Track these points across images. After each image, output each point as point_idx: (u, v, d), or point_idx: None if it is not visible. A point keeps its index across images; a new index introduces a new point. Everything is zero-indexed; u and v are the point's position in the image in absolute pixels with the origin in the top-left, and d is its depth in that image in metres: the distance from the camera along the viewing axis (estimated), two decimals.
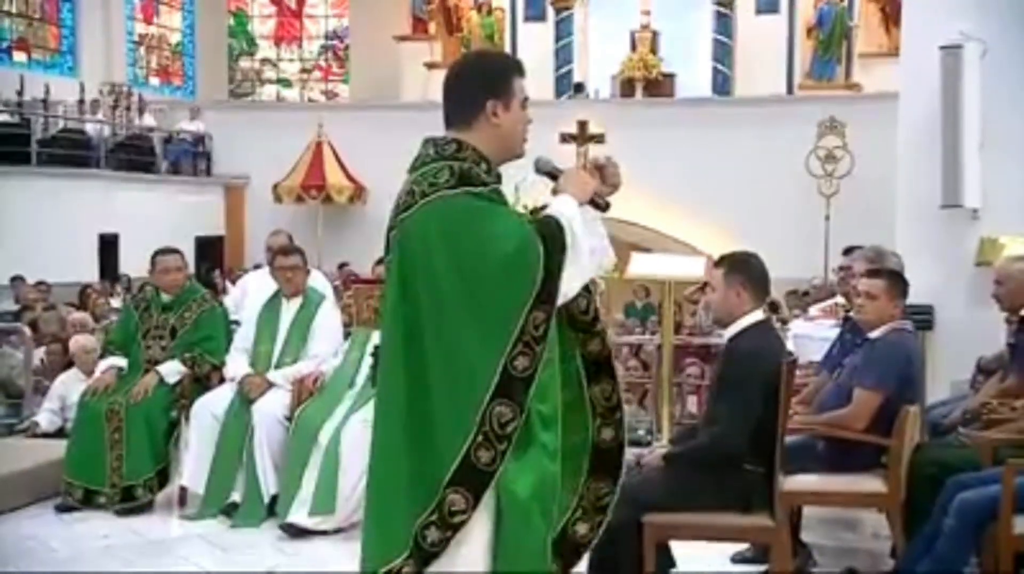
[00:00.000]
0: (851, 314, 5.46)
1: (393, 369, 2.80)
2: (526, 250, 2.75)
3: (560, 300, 2.81)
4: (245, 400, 5.92)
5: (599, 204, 3.01)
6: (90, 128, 17.93)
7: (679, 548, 4.33)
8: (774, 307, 12.92)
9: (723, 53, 19.39)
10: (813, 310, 8.24)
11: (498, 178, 2.94)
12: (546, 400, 2.83)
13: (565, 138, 16.64)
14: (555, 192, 2.98)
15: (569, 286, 2.84)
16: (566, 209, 2.89)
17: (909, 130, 7.49)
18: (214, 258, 18.42)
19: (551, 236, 2.80)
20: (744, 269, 4.24)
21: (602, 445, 3.11)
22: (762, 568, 4.65)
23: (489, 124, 2.89)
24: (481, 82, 2.91)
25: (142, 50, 22.19)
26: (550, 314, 2.76)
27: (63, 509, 5.97)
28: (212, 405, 6.01)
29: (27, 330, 9.10)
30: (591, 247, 2.92)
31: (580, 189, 2.97)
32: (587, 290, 3.03)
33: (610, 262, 3.10)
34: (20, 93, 17.04)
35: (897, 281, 4.82)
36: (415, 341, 2.75)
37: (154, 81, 22.38)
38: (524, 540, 2.74)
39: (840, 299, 6.90)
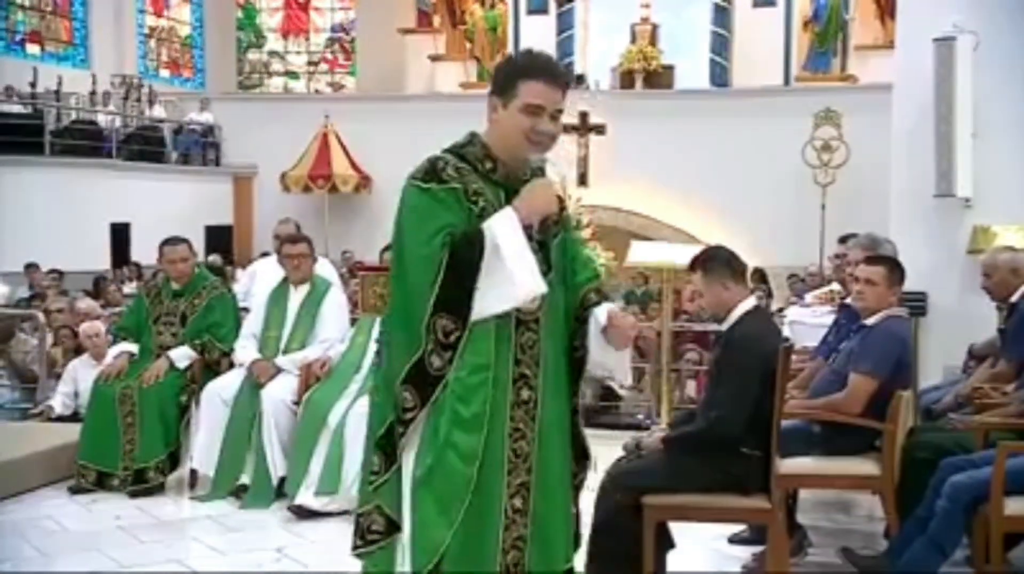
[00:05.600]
0: (847, 301, 5.45)
1: None
2: (429, 258, 2.78)
3: (475, 316, 2.80)
4: (254, 385, 5.92)
5: (530, 234, 2.87)
6: (102, 119, 17.92)
7: (678, 529, 4.34)
8: (762, 278, 12.94)
9: (721, 45, 19.32)
10: (808, 297, 8.23)
11: (508, 176, 2.91)
12: (469, 403, 2.81)
13: (566, 129, 16.59)
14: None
15: (484, 305, 2.80)
16: (499, 226, 2.82)
17: (903, 120, 7.48)
18: (223, 246, 18.41)
19: (461, 252, 2.78)
20: (720, 263, 4.23)
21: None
22: (758, 549, 4.66)
23: (492, 121, 2.92)
24: (494, 79, 2.92)
25: (153, 42, 22.16)
26: (458, 324, 2.79)
27: (77, 491, 5.98)
28: (222, 390, 6.02)
29: (41, 316, 9.10)
30: (515, 272, 2.80)
31: (530, 207, 2.87)
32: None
33: (534, 296, 2.87)
34: (33, 85, 17.05)
35: (895, 269, 4.81)
36: None
37: (164, 73, 22.35)
38: (415, 530, 2.82)
39: (836, 286, 6.90)
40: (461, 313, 2.79)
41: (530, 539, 2.88)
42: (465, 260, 2.78)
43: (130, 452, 6.00)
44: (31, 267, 13.74)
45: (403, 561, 2.87)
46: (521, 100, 2.84)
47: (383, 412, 2.91)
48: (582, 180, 16.72)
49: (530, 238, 2.87)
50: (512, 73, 2.88)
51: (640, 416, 8.26)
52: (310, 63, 24.08)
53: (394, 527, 2.89)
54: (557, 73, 2.90)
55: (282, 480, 5.75)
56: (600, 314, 3.03)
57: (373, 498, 2.90)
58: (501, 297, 2.80)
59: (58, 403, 7.67)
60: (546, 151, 2.95)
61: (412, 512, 2.83)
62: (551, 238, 2.98)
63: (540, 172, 2.98)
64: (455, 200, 2.85)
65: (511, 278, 2.78)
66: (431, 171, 2.86)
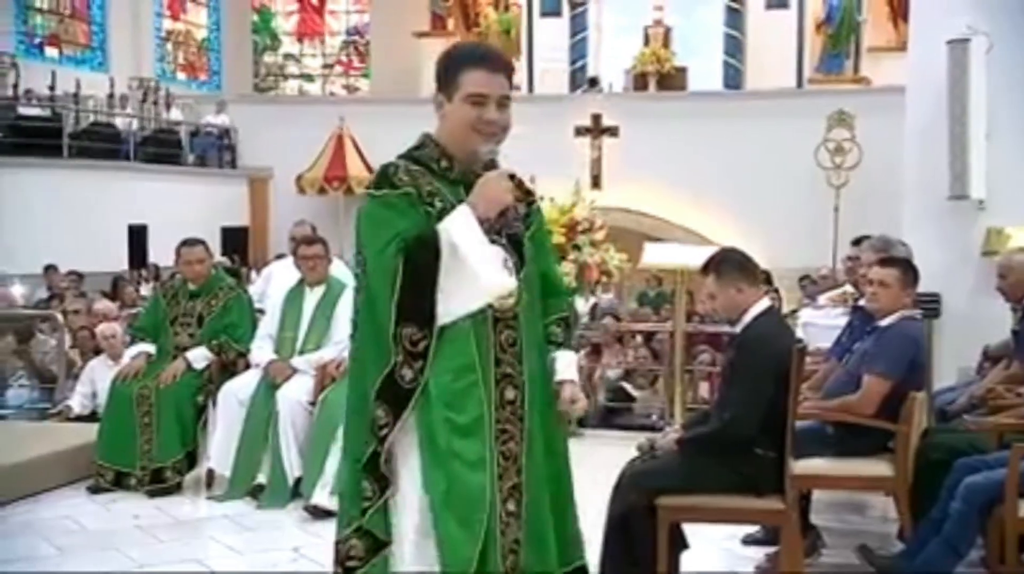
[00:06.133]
0: (860, 302, 5.44)
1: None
2: (385, 267, 2.69)
3: (445, 319, 2.71)
4: (270, 385, 5.93)
5: (496, 228, 2.76)
6: (119, 122, 17.98)
7: (690, 529, 4.33)
8: (767, 280, 12.89)
9: (734, 47, 19.32)
10: (821, 299, 8.20)
11: (464, 173, 2.81)
12: (463, 411, 2.72)
13: (580, 131, 16.62)
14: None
15: (451, 306, 2.71)
16: (454, 225, 2.71)
17: (916, 122, 7.46)
18: (239, 248, 18.46)
19: (415, 256, 2.69)
20: (733, 265, 4.21)
21: None
22: (772, 549, 4.64)
23: (440, 117, 2.83)
24: (436, 75, 2.81)
25: (169, 46, 22.24)
26: (424, 331, 2.70)
27: (96, 490, 6.01)
28: (238, 390, 6.03)
29: (60, 317, 9.16)
30: (478, 270, 2.70)
31: (486, 203, 2.74)
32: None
33: (501, 291, 2.76)
34: (52, 88, 17.10)
35: (909, 270, 4.79)
36: None
37: (181, 76, 22.42)
38: (443, 548, 2.70)
39: (849, 288, 6.87)
40: (424, 319, 2.70)
41: (524, 541, 2.78)
42: (421, 264, 2.68)
43: (147, 452, 6.02)
44: (50, 268, 13.80)
45: (400, 563, 2.78)
46: (463, 91, 2.74)
47: (359, 437, 2.79)
48: (595, 182, 16.73)
49: (497, 232, 2.77)
50: (452, 65, 2.78)
51: (653, 417, 8.26)
52: (325, 66, 24.12)
53: (379, 546, 2.78)
54: (497, 59, 2.82)
55: (298, 480, 5.76)
56: (558, 365, 2.95)
57: (356, 522, 2.79)
58: (468, 297, 2.71)
59: (76, 403, 7.70)
60: (498, 142, 2.83)
61: (436, 530, 2.72)
62: (523, 232, 2.87)
63: (492, 164, 2.85)
64: (408, 204, 2.75)
65: (475, 276, 2.69)
66: (383, 178, 2.78)
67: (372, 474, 2.77)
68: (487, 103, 2.75)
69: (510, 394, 2.79)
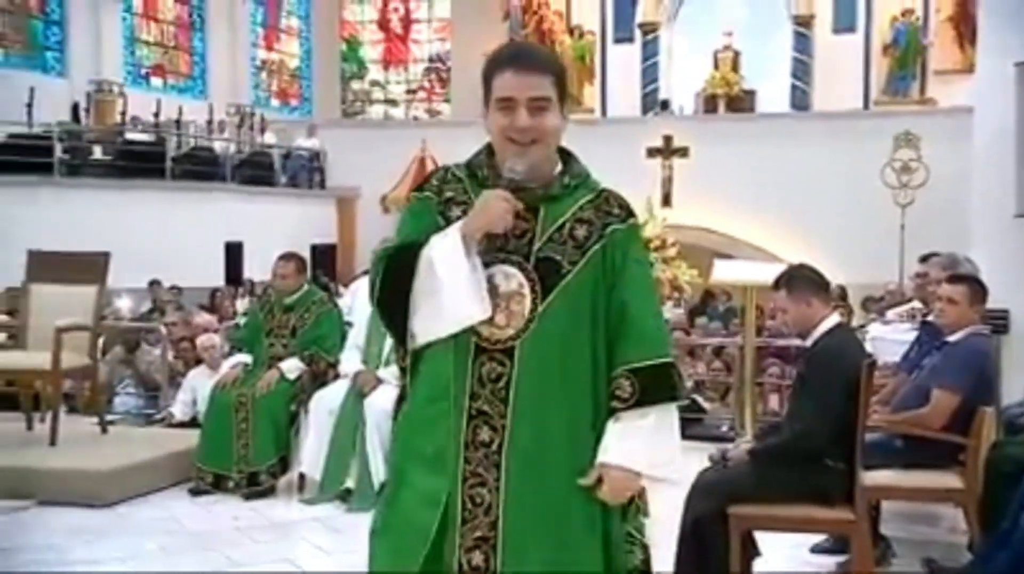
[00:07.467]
0: (929, 318, 5.33)
1: None
2: (373, 278, 2.45)
3: (422, 339, 2.36)
4: (358, 395, 5.99)
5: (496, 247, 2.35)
6: (218, 146, 18.34)
7: (763, 538, 4.27)
8: (843, 295, 12.70)
9: (802, 70, 19.08)
10: (889, 314, 8.05)
11: (508, 183, 2.34)
12: (428, 440, 2.35)
13: (651, 152, 16.54)
14: None
15: (425, 326, 2.35)
16: (438, 241, 2.34)
17: (984, 142, 7.32)
18: (327, 264, 18.68)
19: (394, 266, 2.38)
20: (804, 280, 4.17)
21: None
22: (842, 558, 4.57)
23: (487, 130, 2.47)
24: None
25: (264, 74, 22.68)
26: (403, 348, 2.42)
27: (196, 492, 6.12)
28: (328, 399, 6.11)
29: (163, 329, 9.35)
30: (457, 291, 2.30)
31: (474, 220, 2.32)
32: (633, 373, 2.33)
33: (467, 320, 2.32)
34: (156, 115, 17.53)
35: (977, 288, 4.70)
36: None
37: (275, 102, 22.83)
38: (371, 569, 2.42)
39: (916, 303, 6.74)
40: (400, 334, 2.40)
41: None
42: (394, 277, 2.38)
43: (244, 456, 6.12)
44: (154, 283, 14.11)
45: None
46: (494, 96, 2.36)
47: None
48: (666, 200, 16.61)
49: (499, 251, 2.35)
50: (486, 71, 2.40)
51: (724, 428, 8.16)
52: (408, 91, 24.35)
53: None
54: (527, 58, 2.37)
55: (383, 485, 5.79)
56: (608, 440, 2.33)
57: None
58: (436, 319, 2.33)
59: (178, 410, 7.88)
60: (540, 156, 2.36)
61: (369, 550, 2.42)
62: (567, 254, 2.34)
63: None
64: (424, 209, 2.44)
65: (440, 301, 2.31)
66: (424, 180, 2.51)
67: None
68: (516, 107, 2.33)
69: (484, 435, 2.32)
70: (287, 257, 6.63)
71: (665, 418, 2.35)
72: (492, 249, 2.33)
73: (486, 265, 2.33)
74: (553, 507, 2.31)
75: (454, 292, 2.29)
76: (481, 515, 2.30)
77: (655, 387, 2.33)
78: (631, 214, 2.44)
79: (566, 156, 2.47)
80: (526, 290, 2.33)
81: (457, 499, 2.30)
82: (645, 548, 2.48)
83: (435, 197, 2.44)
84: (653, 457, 2.33)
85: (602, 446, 2.31)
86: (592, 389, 2.35)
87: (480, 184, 2.41)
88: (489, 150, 2.45)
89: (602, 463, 2.30)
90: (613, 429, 2.32)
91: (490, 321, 2.31)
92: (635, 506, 2.46)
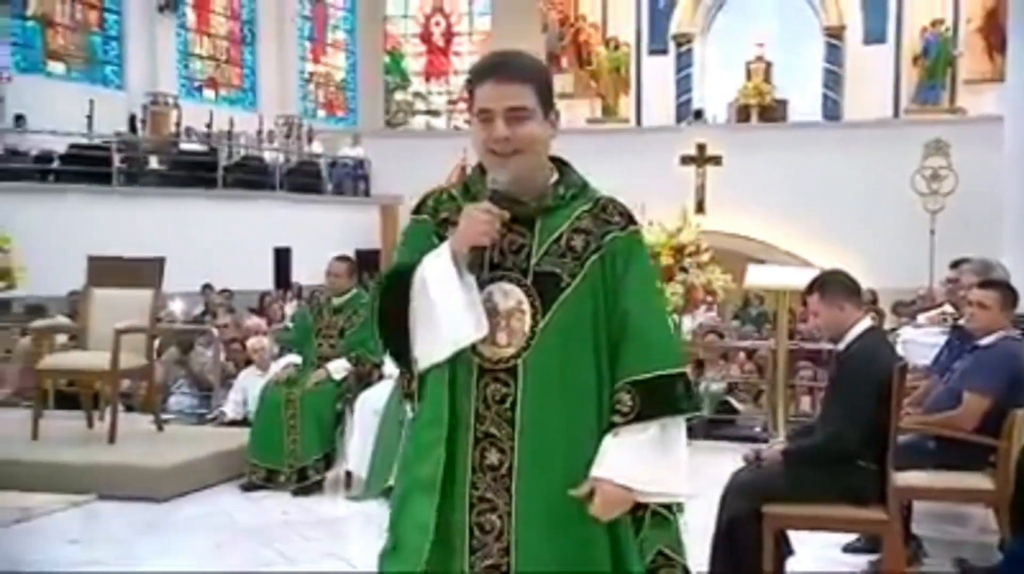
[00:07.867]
0: (960, 322, 5.27)
1: None
2: (370, 306, 2.33)
3: (424, 363, 2.22)
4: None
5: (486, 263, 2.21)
6: (267, 155, 18.53)
7: (796, 537, 4.24)
8: (874, 299, 12.58)
9: (833, 80, 18.96)
10: (921, 318, 7.96)
11: (494, 194, 2.21)
12: (423, 466, 2.22)
13: (685, 160, 16.49)
14: None
15: (424, 349, 2.21)
16: (429, 261, 2.21)
17: (1015, 148, 7.23)
18: (372, 268, 18.77)
19: (389, 290, 2.26)
20: (837, 285, 4.14)
21: None
22: (874, 557, 4.52)
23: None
24: None
25: (311, 86, 22.84)
26: (409, 374, 2.27)
27: (247, 488, 6.18)
28: (373, 399, 6.14)
29: (215, 331, 9.44)
30: (451, 310, 2.16)
31: (459, 236, 2.19)
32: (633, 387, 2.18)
33: (464, 341, 2.18)
34: (209, 126, 17.73)
35: (1008, 293, 4.64)
36: None
37: (321, 113, 22.99)
38: None
39: (948, 308, 6.66)
40: (401, 358, 2.27)
41: None
42: (390, 300, 2.25)
43: (293, 451, 6.18)
44: (207, 287, 14.25)
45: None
46: (475, 109, 2.23)
47: None
48: (699, 207, 16.55)
49: (494, 267, 2.22)
50: (468, 86, 2.28)
51: (756, 429, 8.10)
52: (450, 102, 24.41)
53: None
54: (506, 67, 2.22)
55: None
56: (603, 456, 2.18)
57: None
58: (433, 342, 2.19)
59: (229, 409, 7.95)
60: (522, 166, 2.21)
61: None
62: (567, 267, 2.21)
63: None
64: (420, 232, 2.31)
65: (436, 323, 2.17)
66: (420, 203, 2.37)
67: None
68: (494, 118, 2.19)
69: (492, 458, 2.18)
70: (342, 258, 6.72)
71: (668, 432, 2.20)
72: (479, 263, 2.20)
73: (484, 283, 2.21)
74: (566, 529, 2.17)
75: (448, 311, 2.16)
76: (491, 542, 2.17)
77: (657, 400, 2.19)
78: (632, 221, 2.30)
79: (561, 166, 2.35)
80: (526, 306, 2.20)
81: (464, 528, 2.18)
82: (686, 570, 2.32)
83: (431, 219, 2.32)
84: (650, 473, 2.18)
85: (596, 459, 2.18)
86: (597, 403, 2.22)
87: (473, 200, 2.26)
88: (482, 166, 2.32)
89: (595, 477, 2.16)
90: (610, 443, 2.18)
91: (491, 340, 2.19)
92: (664, 518, 2.27)
